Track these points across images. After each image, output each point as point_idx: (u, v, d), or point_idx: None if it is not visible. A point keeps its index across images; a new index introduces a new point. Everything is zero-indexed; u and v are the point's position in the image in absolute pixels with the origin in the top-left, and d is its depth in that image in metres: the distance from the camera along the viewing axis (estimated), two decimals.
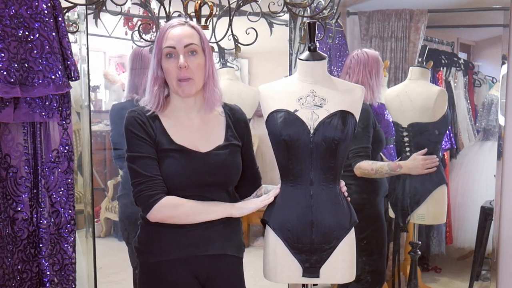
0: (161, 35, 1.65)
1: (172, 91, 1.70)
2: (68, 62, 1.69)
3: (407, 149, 2.85)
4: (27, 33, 1.61)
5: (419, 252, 3.02)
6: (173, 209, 1.63)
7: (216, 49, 2.39)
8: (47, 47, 1.63)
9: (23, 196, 1.70)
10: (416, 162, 2.67)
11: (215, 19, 2.23)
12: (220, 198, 1.72)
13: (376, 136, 2.65)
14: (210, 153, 1.69)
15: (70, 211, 1.76)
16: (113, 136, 2.65)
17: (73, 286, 1.81)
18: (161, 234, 1.68)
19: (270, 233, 1.93)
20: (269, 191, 1.92)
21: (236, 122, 1.80)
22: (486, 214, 3.00)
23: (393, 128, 2.95)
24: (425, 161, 2.67)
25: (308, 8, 2.50)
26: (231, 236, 1.77)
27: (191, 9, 2.14)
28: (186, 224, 1.66)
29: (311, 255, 1.88)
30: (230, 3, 2.22)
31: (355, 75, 2.66)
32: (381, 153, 2.85)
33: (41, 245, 1.71)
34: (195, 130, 1.71)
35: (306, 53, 1.94)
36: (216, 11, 2.22)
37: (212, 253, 1.71)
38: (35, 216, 1.72)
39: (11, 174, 1.69)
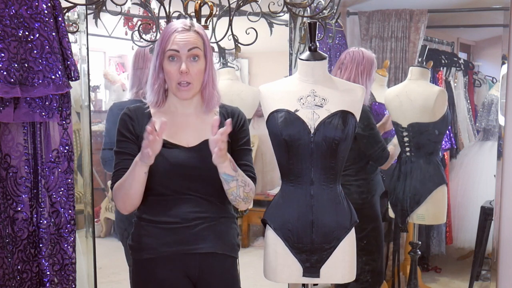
0: (165, 37, 1.66)
1: (170, 91, 1.74)
2: (68, 62, 1.69)
3: (407, 149, 2.85)
4: (27, 33, 1.61)
5: (419, 252, 3.02)
6: (119, 193, 1.69)
7: (216, 49, 2.39)
8: (47, 47, 1.63)
9: (23, 196, 1.70)
10: None
11: (215, 19, 2.22)
12: (207, 193, 1.71)
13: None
14: (195, 147, 1.70)
15: (70, 211, 1.76)
16: (106, 135, 2.65)
17: (73, 286, 1.81)
18: (150, 231, 1.70)
19: (270, 233, 1.93)
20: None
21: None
22: (486, 214, 3.00)
23: (393, 128, 2.95)
24: None
25: (308, 8, 2.50)
26: (223, 234, 1.75)
27: (191, 9, 2.13)
28: (174, 221, 1.67)
29: (312, 255, 1.88)
30: (230, 3, 2.22)
31: (346, 72, 2.66)
32: None
33: (41, 245, 1.71)
34: (187, 126, 1.73)
35: (307, 53, 1.95)
36: (216, 11, 2.22)
37: (202, 251, 1.70)
38: (35, 216, 1.71)
39: (11, 174, 1.68)
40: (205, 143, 1.68)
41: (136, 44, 2.28)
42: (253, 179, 1.79)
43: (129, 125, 1.72)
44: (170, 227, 1.69)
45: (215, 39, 2.25)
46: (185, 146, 1.70)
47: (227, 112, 1.79)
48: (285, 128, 1.84)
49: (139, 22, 2.97)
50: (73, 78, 1.72)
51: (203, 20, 2.13)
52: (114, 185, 1.71)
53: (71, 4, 1.93)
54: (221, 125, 1.74)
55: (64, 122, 1.73)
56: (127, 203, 1.69)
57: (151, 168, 1.65)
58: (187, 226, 1.69)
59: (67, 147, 1.74)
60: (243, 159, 1.77)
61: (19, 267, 1.71)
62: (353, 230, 1.93)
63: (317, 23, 2.01)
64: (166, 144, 1.67)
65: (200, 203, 1.71)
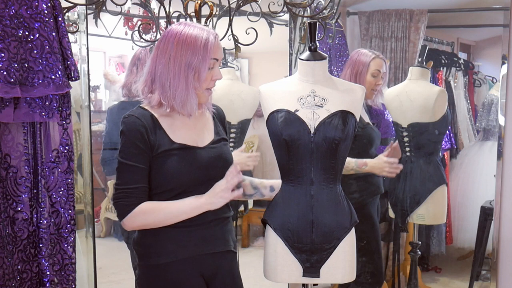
0: (208, 43, 1.62)
1: (194, 94, 1.71)
2: (68, 62, 1.69)
3: (407, 149, 2.85)
4: (27, 33, 1.61)
5: (419, 252, 3.02)
6: (145, 218, 1.62)
7: None
8: (47, 47, 1.63)
9: (23, 196, 1.70)
10: (379, 164, 2.54)
11: (215, 19, 2.22)
12: None
13: (365, 134, 2.65)
14: (207, 148, 1.72)
15: (70, 211, 1.76)
16: (107, 135, 2.65)
17: (73, 286, 1.81)
18: (165, 235, 1.67)
19: (270, 233, 1.93)
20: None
21: (219, 118, 1.85)
22: (486, 214, 3.00)
23: (393, 128, 2.94)
24: (386, 163, 2.52)
25: (308, 8, 2.50)
26: (230, 232, 1.79)
27: (191, 9, 2.14)
28: (194, 223, 1.67)
29: (312, 255, 1.88)
30: (230, 3, 2.22)
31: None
32: None
33: (41, 245, 1.71)
34: (191, 127, 1.73)
35: (307, 53, 1.95)
36: (216, 11, 2.22)
37: (218, 250, 1.74)
38: (35, 216, 1.71)
39: (11, 174, 1.69)
40: (215, 141, 1.75)
41: (136, 44, 2.29)
42: None
43: (145, 135, 1.62)
44: (186, 230, 1.67)
45: None
46: (200, 146, 1.70)
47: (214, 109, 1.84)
48: (285, 128, 1.84)
49: (139, 22, 2.97)
50: (73, 78, 1.72)
51: (203, 20, 2.13)
52: (140, 206, 1.60)
53: (71, 4, 1.93)
54: (214, 120, 1.81)
55: (64, 122, 1.73)
56: (150, 227, 1.65)
57: (170, 171, 1.64)
58: (206, 228, 1.70)
59: (67, 147, 1.74)
60: None
61: (19, 267, 1.71)
62: (353, 230, 1.93)
63: (317, 23, 2.01)
64: (183, 147, 1.67)
65: None
